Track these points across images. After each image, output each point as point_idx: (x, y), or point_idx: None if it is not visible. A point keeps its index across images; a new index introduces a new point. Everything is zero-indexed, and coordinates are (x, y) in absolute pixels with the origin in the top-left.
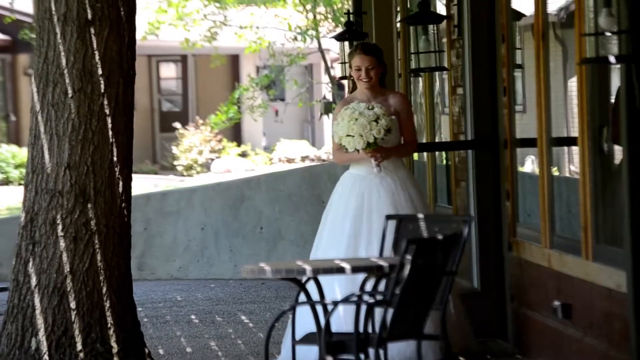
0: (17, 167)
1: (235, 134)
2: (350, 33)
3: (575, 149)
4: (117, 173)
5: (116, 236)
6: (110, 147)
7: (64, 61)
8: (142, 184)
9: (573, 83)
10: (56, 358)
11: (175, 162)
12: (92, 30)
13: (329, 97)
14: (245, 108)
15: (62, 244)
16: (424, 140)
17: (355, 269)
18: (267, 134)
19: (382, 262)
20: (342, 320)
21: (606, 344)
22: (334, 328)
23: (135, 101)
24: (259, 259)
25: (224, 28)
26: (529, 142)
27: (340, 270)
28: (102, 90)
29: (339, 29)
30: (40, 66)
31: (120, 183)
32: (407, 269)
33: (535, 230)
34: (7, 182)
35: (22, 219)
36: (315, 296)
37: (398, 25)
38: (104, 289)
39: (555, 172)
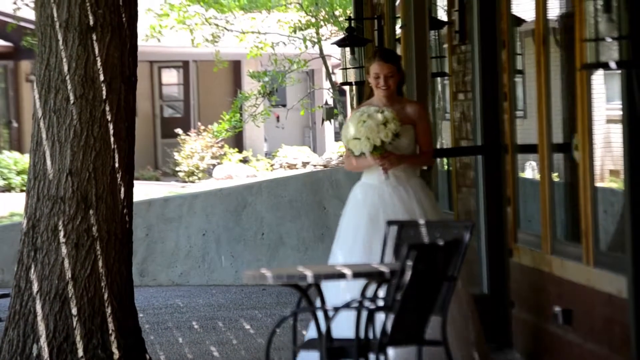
0: (19, 173)
1: (236, 140)
2: (351, 39)
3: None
4: (119, 179)
5: (118, 242)
6: (112, 153)
7: (65, 67)
8: (143, 190)
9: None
10: None
11: (177, 168)
12: (94, 37)
13: (331, 102)
14: (248, 116)
15: (63, 250)
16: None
17: (357, 275)
18: (269, 139)
19: (383, 268)
20: (345, 326)
21: (607, 350)
22: (335, 333)
23: (136, 107)
24: (260, 264)
25: (225, 33)
26: (530, 148)
27: (341, 276)
28: (104, 97)
29: (341, 35)
30: (42, 73)
31: (122, 189)
32: (408, 274)
33: (536, 235)
34: (9, 188)
35: (24, 225)
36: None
37: (399, 31)
38: (106, 295)
39: (555, 177)
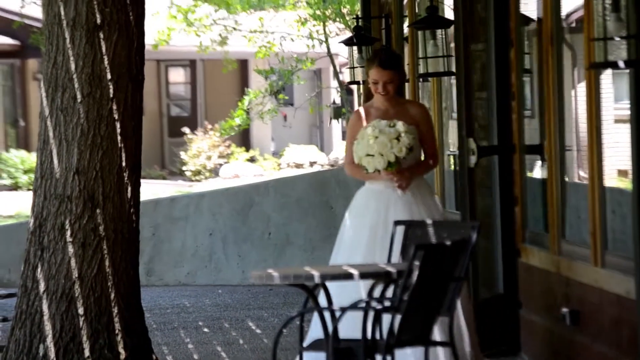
0: (26, 172)
1: (243, 139)
2: (359, 38)
3: (584, 154)
4: (126, 178)
5: (124, 242)
6: (119, 152)
7: (73, 66)
8: (150, 189)
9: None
10: None
11: (184, 167)
12: (101, 35)
13: (338, 101)
14: (255, 114)
15: (70, 249)
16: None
17: (364, 275)
18: (276, 139)
19: (390, 268)
20: (352, 326)
21: (615, 351)
22: (342, 334)
23: (144, 106)
24: (267, 264)
25: (233, 32)
26: (537, 149)
27: (348, 276)
28: (111, 95)
29: (348, 33)
30: (49, 71)
31: (129, 188)
32: (415, 275)
33: (544, 236)
34: (16, 187)
35: (31, 224)
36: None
37: (406, 30)
38: (112, 295)
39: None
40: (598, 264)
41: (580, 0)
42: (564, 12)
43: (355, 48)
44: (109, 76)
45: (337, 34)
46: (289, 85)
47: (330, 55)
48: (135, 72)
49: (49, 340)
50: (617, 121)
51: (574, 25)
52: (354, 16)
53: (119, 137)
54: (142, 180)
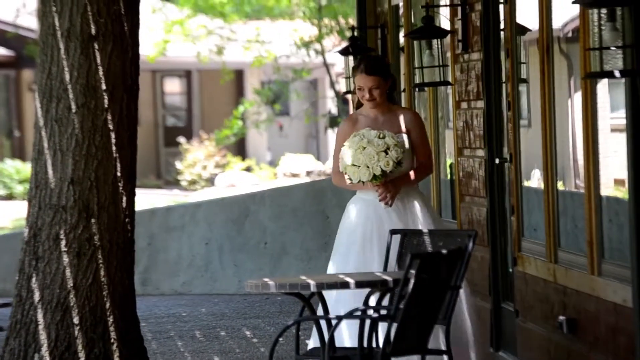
0: (21, 182)
1: (239, 148)
2: (355, 48)
3: (581, 163)
4: (121, 188)
5: (120, 251)
6: (114, 162)
7: (67, 76)
8: (146, 199)
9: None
10: None
11: (180, 177)
12: (96, 46)
13: (334, 111)
14: (251, 123)
15: (65, 259)
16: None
17: (360, 284)
18: (272, 148)
19: (386, 277)
20: (347, 335)
21: (612, 359)
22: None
23: (139, 116)
24: (263, 274)
25: (229, 43)
26: (534, 157)
27: (345, 285)
28: (106, 106)
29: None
30: (43, 81)
31: (124, 198)
32: (411, 283)
33: (541, 244)
34: (11, 197)
35: (26, 234)
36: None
37: (402, 40)
38: (108, 304)
39: (560, 186)
40: (595, 272)
41: (576, 9)
42: (560, 22)
43: (351, 58)
44: (103, 87)
45: (333, 46)
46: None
47: (326, 65)
48: (130, 83)
49: (44, 349)
50: (613, 130)
51: (570, 34)
52: (350, 27)
53: (113, 148)
54: (137, 190)
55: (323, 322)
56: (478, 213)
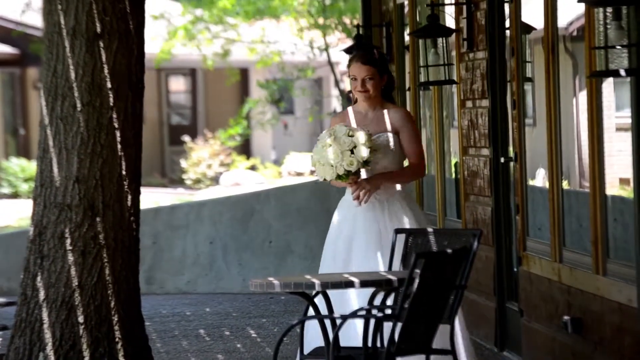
0: (26, 180)
1: (244, 147)
2: (359, 46)
3: (586, 162)
4: (126, 186)
5: (125, 250)
6: (119, 161)
7: (72, 75)
8: (150, 197)
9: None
10: None
11: (184, 176)
12: (101, 44)
13: (339, 109)
14: (256, 123)
15: (70, 257)
16: (434, 153)
17: (364, 283)
18: (277, 147)
19: (391, 276)
20: (353, 335)
21: (617, 359)
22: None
23: (144, 114)
24: (267, 272)
25: (234, 43)
26: (539, 156)
27: (349, 284)
28: (111, 104)
29: (349, 41)
30: (49, 80)
31: (129, 196)
32: (416, 283)
33: (546, 243)
34: (16, 195)
35: (31, 232)
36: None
37: (407, 38)
38: (112, 303)
39: (565, 185)
40: (600, 272)
41: (582, 8)
42: (565, 20)
43: None
44: (109, 85)
45: (338, 42)
46: (290, 94)
47: (330, 64)
48: (135, 81)
49: (49, 348)
50: (618, 129)
51: (575, 33)
52: (355, 25)
53: (119, 146)
54: (142, 189)
55: (320, 323)
56: (483, 212)
